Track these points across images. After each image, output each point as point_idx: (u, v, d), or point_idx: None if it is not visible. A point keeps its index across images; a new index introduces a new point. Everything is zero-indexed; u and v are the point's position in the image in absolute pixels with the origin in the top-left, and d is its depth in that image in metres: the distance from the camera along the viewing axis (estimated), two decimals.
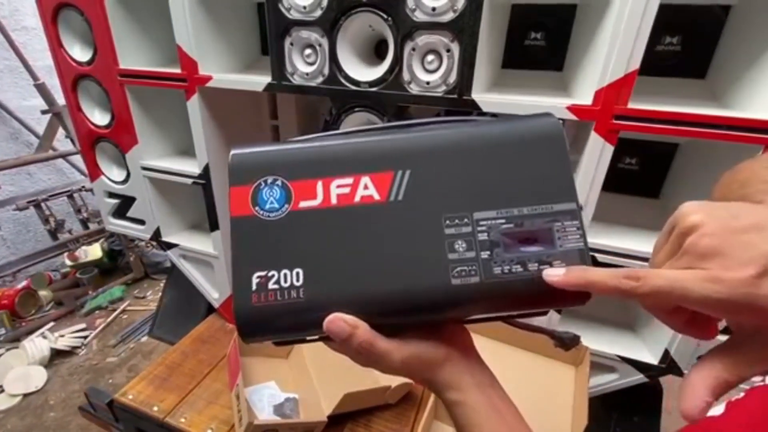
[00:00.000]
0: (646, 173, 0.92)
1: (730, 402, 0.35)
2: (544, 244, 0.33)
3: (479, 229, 0.33)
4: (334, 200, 0.34)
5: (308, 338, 0.36)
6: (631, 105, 0.66)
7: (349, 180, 0.34)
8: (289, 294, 0.32)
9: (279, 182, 0.34)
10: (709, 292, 0.25)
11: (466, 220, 0.33)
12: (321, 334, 0.33)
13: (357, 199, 0.34)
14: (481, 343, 0.40)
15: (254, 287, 0.32)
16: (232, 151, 0.35)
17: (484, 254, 0.33)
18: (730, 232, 0.26)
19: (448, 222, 0.33)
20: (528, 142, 0.35)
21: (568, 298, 0.33)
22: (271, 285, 0.32)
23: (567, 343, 0.58)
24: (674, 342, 0.80)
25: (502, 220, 0.33)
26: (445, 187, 0.34)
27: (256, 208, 0.33)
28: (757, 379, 0.34)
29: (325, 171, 0.34)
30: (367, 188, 0.34)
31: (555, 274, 0.32)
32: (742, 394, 0.32)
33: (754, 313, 0.26)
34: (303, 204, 0.33)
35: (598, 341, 0.89)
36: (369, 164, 0.34)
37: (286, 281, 0.32)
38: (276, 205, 0.33)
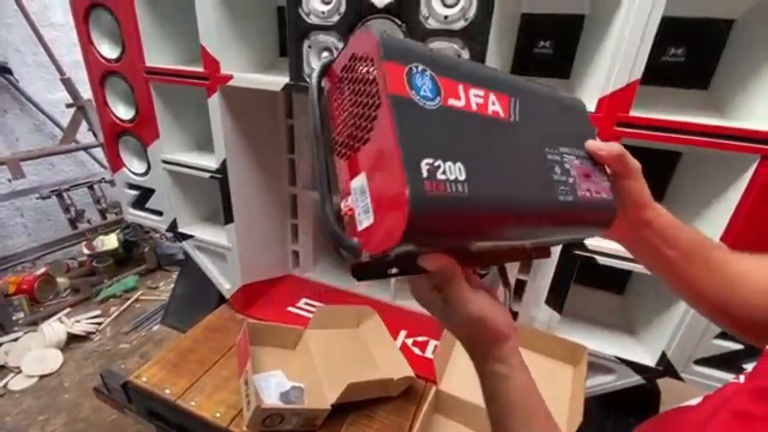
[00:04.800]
0: (648, 180, 0.93)
1: (706, 395, 0.38)
2: (595, 178, 0.41)
3: (564, 159, 0.39)
4: (474, 107, 0.34)
5: (397, 272, 0.35)
6: (633, 113, 0.69)
7: (482, 92, 0.35)
8: (456, 188, 0.29)
9: (428, 74, 0.32)
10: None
11: (555, 150, 0.39)
12: (465, 242, 0.34)
13: (489, 111, 0.35)
14: None
15: (425, 174, 0.28)
16: (375, 30, 0.32)
17: (570, 179, 0.38)
18: None
19: (548, 149, 0.39)
20: (574, 108, 0.45)
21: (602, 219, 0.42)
22: (439, 175, 0.29)
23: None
24: (671, 344, 0.82)
25: (573, 157, 0.40)
26: (539, 121, 0.40)
27: (413, 91, 0.30)
28: (731, 377, 0.37)
29: (464, 77, 0.34)
30: (494, 104, 0.36)
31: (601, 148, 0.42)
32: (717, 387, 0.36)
33: None
34: (451, 102, 0.32)
35: (597, 342, 0.91)
36: (493, 84, 0.36)
37: (451, 173, 0.29)
38: (429, 95, 0.31)
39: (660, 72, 0.82)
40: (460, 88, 0.33)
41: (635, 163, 0.42)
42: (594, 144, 0.42)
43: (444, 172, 0.29)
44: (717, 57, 0.79)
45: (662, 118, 0.68)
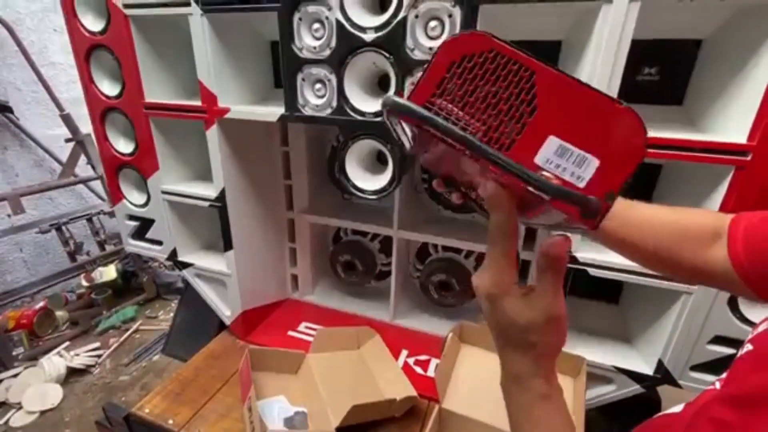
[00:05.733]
0: (633, 193, 0.97)
1: (688, 403, 0.41)
2: None
3: None
4: None
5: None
6: None
7: None
8: None
9: None
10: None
11: None
12: None
13: None
14: (482, 355, 0.43)
15: None
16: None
17: None
18: None
19: None
20: None
21: None
22: None
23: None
24: (667, 352, 0.84)
25: None
26: None
27: None
28: (710, 382, 0.40)
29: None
30: None
31: None
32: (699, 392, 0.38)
33: None
34: None
35: (594, 353, 0.92)
36: None
37: None
38: None
39: (637, 90, 0.86)
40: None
41: None
42: None
43: None
44: (689, 74, 0.84)
45: None
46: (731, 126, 0.71)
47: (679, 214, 0.52)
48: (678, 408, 0.41)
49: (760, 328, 0.37)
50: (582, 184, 0.31)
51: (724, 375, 0.38)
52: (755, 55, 0.66)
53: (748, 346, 0.36)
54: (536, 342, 0.35)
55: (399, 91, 0.48)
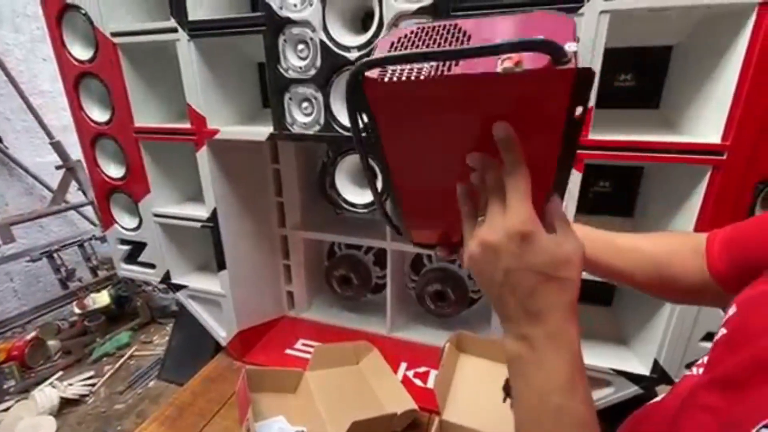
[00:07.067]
0: (618, 194, 0.99)
1: (668, 392, 0.42)
2: None
3: None
4: None
5: None
6: (592, 137, 0.75)
7: None
8: None
9: None
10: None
11: None
12: None
13: None
14: (480, 364, 0.43)
15: None
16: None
17: None
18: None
19: None
20: None
21: None
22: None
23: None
24: (662, 351, 0.84)
25: None
26: None
27: None
28: (686, 371, 0.41)
29: None
30: None
31: None
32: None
33: None
34: None
35: (591, 356, 0.93)
36: None
37: None
38: None
39: (615, 96, 0.89)
40: None
41: None
42: None
43: None
44: (663, 79, 0.87)
45: (619, 138, 0.73)
46: (706, 127, 0.73)
47: (657, 239, 0.55)
48: (659, 397, 0.42)
49: (730, 312, 0.38)
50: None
51: (700, 361, 0.39)
52: (722, 58, 0.69)
53: (723, 330, 0.37)
54: (576, 277, 0.32)
55: None
